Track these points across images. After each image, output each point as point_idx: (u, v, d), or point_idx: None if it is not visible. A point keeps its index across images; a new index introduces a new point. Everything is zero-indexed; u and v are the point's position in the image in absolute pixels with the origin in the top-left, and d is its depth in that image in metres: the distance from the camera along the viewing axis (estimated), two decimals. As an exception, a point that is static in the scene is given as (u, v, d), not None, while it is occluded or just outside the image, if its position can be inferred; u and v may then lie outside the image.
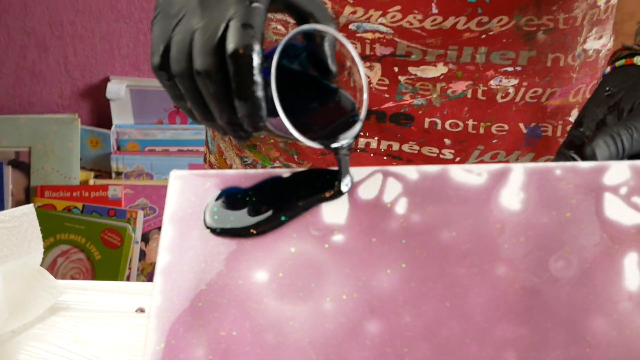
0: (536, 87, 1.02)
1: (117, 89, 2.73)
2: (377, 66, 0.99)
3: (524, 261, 0.71)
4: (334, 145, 0.75)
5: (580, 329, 0.68)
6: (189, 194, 0.77)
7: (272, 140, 1.09)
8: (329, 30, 0.74)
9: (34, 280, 0.90)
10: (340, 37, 0.74)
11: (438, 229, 0.73)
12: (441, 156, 1.05)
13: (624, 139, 0.76)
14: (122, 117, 2.77)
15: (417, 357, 0.69)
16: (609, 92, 0.85)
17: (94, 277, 2.58)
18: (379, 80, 1.00)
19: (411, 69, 0.99)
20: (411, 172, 0.76)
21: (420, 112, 1.03)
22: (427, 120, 1.03)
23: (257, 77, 0.69)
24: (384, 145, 1.06)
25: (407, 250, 0.73)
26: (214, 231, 0.75)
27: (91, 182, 2.72)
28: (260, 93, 0.69)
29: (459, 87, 1.01)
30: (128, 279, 2.62)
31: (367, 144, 1.06)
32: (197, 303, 0.72)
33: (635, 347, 0.67)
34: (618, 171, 0.74)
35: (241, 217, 0.75)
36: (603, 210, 0.72)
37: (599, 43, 1.03)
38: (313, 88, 0.76)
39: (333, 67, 0.75)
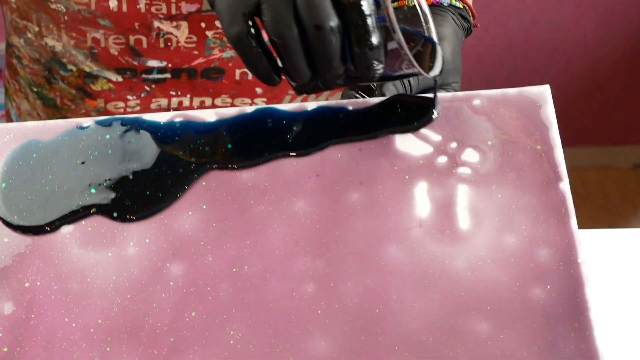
0: None
1: None
2: (184, 24, 0.99)
3: (320, 196, 0.73)
4: (434, 74, 0.74)
5: (375, 258, 0.71)
6: (-12, 147, 0.77)
7: (83, 111, 1.08)
8: None
9: None
10: None
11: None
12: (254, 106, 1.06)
13: (410, 80, 0.79)
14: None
15: (220, 295, 0.70)
16: None
17: None
18: (187, 38, 1.00)
19: (218, 23, 1.00)
20: (210, 115, 0.77)
21: (230, 64, 1.04)
22: (237, 71, 1.04)
23: (376, 25, 0.68)
24: (196, 102, 1.06)
25: (207, 191, 0.74)
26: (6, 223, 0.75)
27: None
28: (381, 40, 0.68)
29: (266, 34, 1.02)
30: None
31: (180, 103, 1.06)
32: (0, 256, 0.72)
33: (426, 270, 0.70)
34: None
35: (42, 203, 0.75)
36: (394, 142, 0.75)
37: None
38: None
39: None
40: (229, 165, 0.75)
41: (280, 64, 0.71)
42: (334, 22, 0.67)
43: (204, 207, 0.73)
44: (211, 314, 0.70)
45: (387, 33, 0.69)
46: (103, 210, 0.74)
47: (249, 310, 0.70)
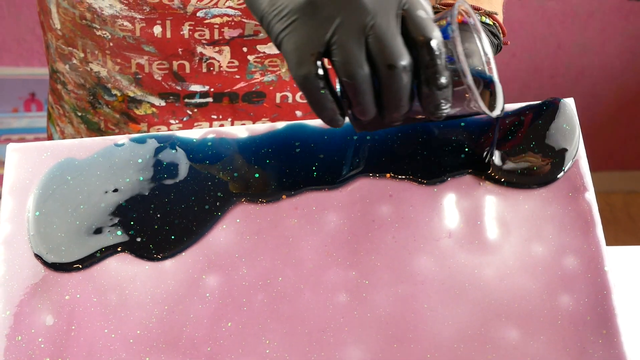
0: None
1: (-32, 79, 2.68)
2: (226, 49, 1.01)
3: (351, 208, 0.75)
4: (496, 113, 0.73)
5: (406, 268, 0.73)
6: (27, 165, 0.79)
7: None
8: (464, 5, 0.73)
9: None
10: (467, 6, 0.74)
11: (270, 184, 0.77)
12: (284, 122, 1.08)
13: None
14: (-25, 107, 2.73)
15: (255, 305, 0.72)
16: None
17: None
18: (229, 62, 1.02)
19: (259, 47, 1.01)
20: (241, 131, 0.79)
21: (271, 88, 1.05)
22: (278, 95, 1.06)
23: (445, 65, 0.68)
24: (237, 125, 1.08)
25: (240, 205, 0.76)
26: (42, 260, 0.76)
27: (-54, 174, 2.68)
28: (449, 80, 0.68)
29: None
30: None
31: (221, 127, 1.08)
32: (40, 270, 0.74)
33: (456, 279, 0.72)
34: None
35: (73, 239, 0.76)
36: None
37: None
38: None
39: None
40: (259, 200, 0.76)
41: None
42: (406, 61, 0.67)
43: (238, 220, 0.75)
44: (247, 324, 0.72)
45: (454, 73, 0.69)
46: (129, 249, 0.75)
47: (283, 320, 0.72)
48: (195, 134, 0.79)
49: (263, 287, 0.73)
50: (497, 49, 0.90)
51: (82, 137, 1.13)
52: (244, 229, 0.75)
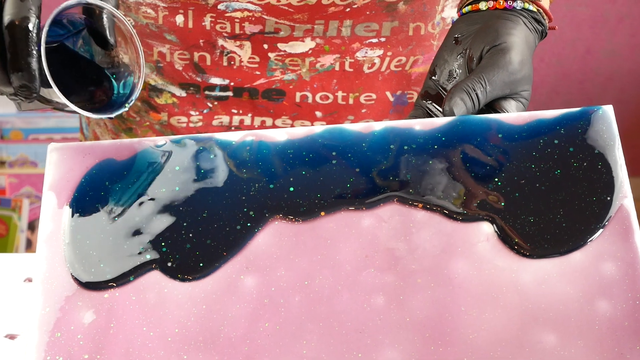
0: (400, 56, 1.07)
1: (-4, 78, 2.70)
2: (247, 44, 1.02)
3: (389, 211, 0.75)
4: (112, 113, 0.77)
5: (443, 271, 0.73)
6: (68, 164, 0.79)
7: (147, 123, 1.12)
8: (102, 4, 0.76)
9: None
10: (113, 10, 0.77)
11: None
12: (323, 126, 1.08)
13: (478, 93, 0.80)
14: (4, 105, 2.75)
15: (293, 306, 0.73)
16: (457, 38, 0.88)
17: (-18, 266, 2.55)
18: (250, 58, 1.03)
19: (280, 45, 1.02)
20: (280, 134, 0.79)
21: (291, 86, 1.06)
22: (298, 94, 1.07)
23: (32, 50, 0.70)
24: (257, 121, 1.09)
25: (275, 220, 0.76)
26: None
27: (-26, 172, 2.70)
28: (34, 64, 0.71)
29: (327, 60, 1.04)
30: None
31: (242, 121, 1.09)
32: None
33: (494, 283, 0.72)
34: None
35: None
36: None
37: (454, 11, 1.07)
38: (94, 70, 0.79)
39: (111, 39, 0.77)
40: (295, 219, 0.76)
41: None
42: None
43: (276, 223, 0.76)
44: (284, 325, 0.72)
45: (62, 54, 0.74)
46: (161, 269, 0.75)
47: (321, 321, 0.72)
48: (234, 136, 0.79)
49: (301, 288, 0.73)
50: (541, 35, 0.88)
51: (104, 122, 1.15)
52: (282, 231, 0.75)
